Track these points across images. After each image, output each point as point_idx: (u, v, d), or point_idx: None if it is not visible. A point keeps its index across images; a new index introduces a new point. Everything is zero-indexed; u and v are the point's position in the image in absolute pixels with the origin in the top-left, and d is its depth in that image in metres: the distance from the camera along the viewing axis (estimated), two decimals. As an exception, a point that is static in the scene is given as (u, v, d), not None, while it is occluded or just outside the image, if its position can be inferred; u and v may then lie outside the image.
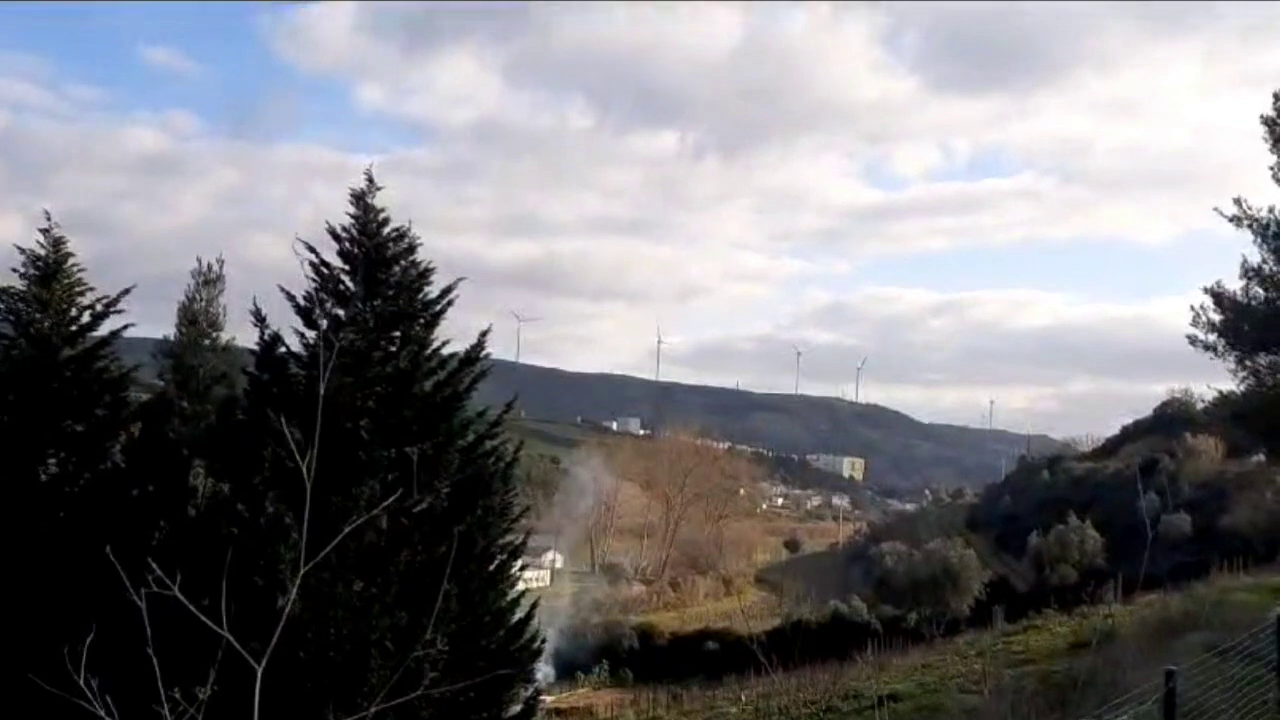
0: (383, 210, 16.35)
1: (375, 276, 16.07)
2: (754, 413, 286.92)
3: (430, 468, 15.59)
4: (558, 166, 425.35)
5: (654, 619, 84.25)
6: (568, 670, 75.19)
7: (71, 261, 17.45)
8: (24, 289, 17.01)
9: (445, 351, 16.72)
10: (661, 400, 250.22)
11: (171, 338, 18.04)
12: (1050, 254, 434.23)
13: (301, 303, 15.92)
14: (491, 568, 15.65)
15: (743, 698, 33.73)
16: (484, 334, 16.93)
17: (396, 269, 16.30)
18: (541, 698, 66.17)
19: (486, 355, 16.80)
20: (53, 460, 16.95)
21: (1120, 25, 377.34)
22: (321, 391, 6.67)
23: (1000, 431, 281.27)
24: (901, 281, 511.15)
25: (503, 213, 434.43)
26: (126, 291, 17.98)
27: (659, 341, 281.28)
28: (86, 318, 17.54)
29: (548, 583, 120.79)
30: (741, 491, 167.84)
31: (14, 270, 17.10)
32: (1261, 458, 55.86)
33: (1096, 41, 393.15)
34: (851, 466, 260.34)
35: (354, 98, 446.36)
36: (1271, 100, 26.27)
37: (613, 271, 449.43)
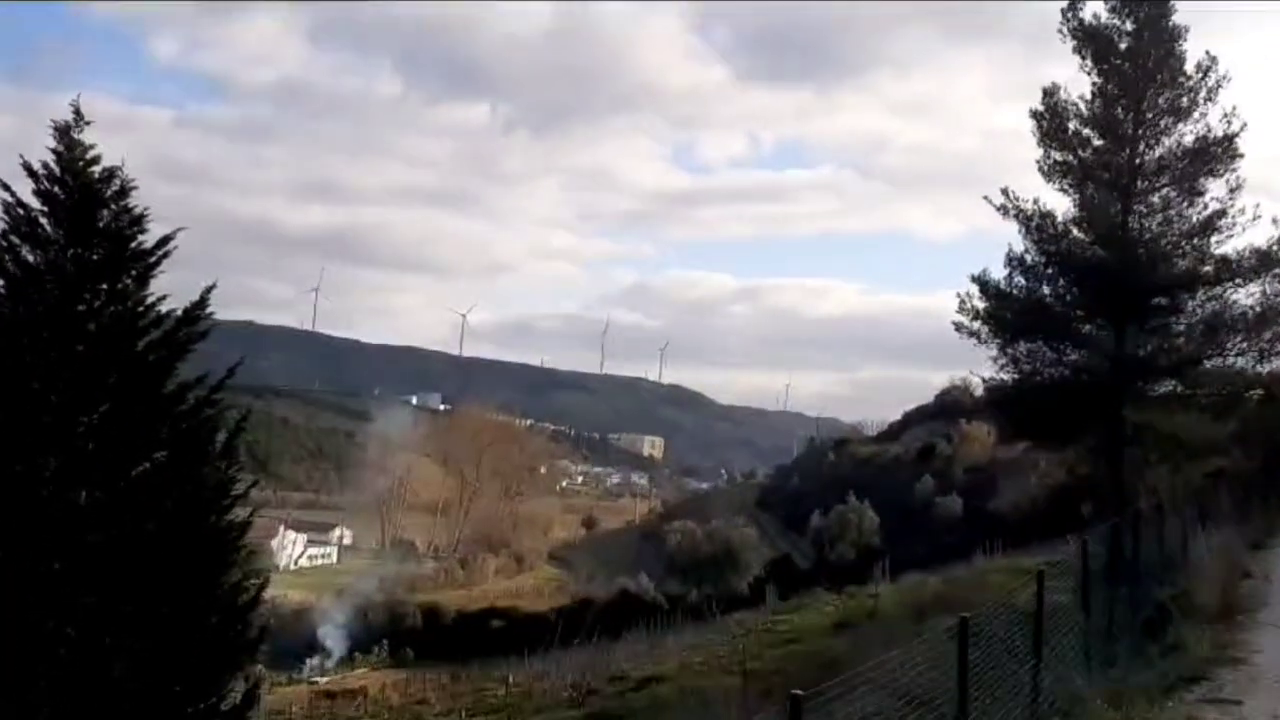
0: (93, 147, 14.55)
1: (79, 221, 14.29)
2: (558, 391, 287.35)
3: (137, 436, 14.00)
4: (363, 132, 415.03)
5: (440, 597, 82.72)
6: (348, 650, 73.03)
7: None
8: None
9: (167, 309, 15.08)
10: (465, 376, 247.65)
11: None
12: (847, 245, 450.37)
13: (-10, 246, 14.01)
14: (205, 548, 14.13)
15: (510, 679, 32.85)
16: (208, 290, 15.23)
17: (105, 213, 14.53)
18: (314, 679, 64.05)
19: (210, 314, 15.16)
20: None
21: (914, 30, 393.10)
22: None
23: (795, 414, 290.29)
24: (705, 266, 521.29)
25: (303, 177, 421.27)
26: None
27: (463, 316, 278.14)
28: None
29: (334, 560, 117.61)
30: (541, 469, 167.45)
31: None
32: (1027, 443, 58.61)
33: (893, 44, 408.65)
34: (652, 446, 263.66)
35: (147, 49, 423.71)
36: (1041, 96, 26.99)
37: (417, 243, 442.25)
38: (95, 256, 14.47)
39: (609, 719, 20.17)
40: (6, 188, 14.26)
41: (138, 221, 14.74)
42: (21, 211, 14.20)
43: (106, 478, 13.78)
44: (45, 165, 14.31)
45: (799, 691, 6.11)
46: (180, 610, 13.54)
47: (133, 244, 14.72)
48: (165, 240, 15.00)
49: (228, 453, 15.44)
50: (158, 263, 14.89)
